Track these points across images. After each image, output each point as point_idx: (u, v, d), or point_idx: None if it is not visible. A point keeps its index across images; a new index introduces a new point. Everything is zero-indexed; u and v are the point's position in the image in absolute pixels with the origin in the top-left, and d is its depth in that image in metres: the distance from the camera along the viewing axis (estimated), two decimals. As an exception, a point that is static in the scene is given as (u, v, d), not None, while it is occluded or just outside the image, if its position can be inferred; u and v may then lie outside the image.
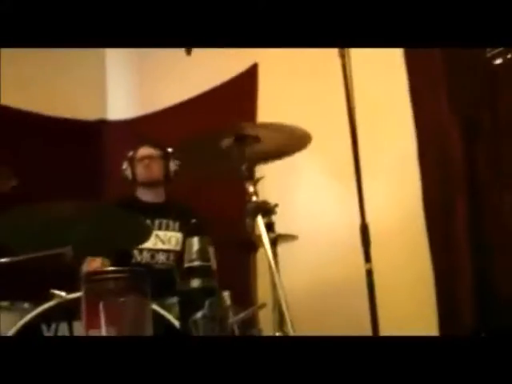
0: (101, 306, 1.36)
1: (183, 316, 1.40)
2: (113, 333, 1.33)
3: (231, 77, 4.00)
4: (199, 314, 1.38)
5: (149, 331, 1.37)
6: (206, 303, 1.39)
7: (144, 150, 3.59)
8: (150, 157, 3.56)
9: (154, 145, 3.61)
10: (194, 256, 1.44)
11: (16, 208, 2.45)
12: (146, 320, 1.38)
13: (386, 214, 3.24)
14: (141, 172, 3.57)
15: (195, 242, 1.45)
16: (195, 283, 1.42)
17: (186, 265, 1.45)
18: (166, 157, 3.56)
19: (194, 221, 1.47)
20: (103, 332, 1.33)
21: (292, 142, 2.60)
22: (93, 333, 1.42)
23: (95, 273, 1.60)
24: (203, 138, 2.61)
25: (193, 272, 1.43)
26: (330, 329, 3.31)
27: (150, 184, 3.57)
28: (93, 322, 1.42)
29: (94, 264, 3.18)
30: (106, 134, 4.46)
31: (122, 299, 1.43)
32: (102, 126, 4.50)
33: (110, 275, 1.52)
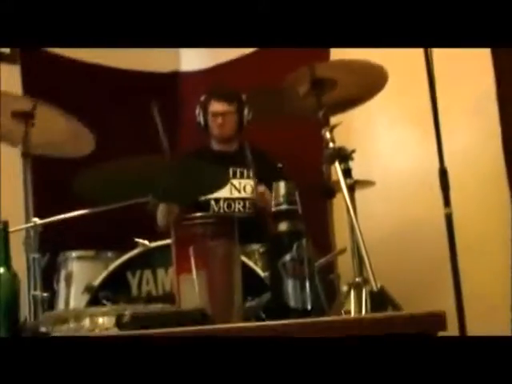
0: (191, 250, 1.40)
1: (272, 259, 1.43)
2: (203, 276, 1.37)
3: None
4: (288, 257, 1.40)
5: (238, 275, 1.41)
6: (294, 246, 1.41)
7: (217, 106, 3.53)
8: (223, 113, 3.52)
9: (227, 98, 3.55)
10: (282, 200, 1.46)
11: (99, 164, 2.52)
12: (235, 264, 1.41)
13: (464, 158, 3.19)
14: (214, 128, 3.55)
15: (282, 186, 1.47)
16: (283, 226, 1.44)
17: (274, 209, 1.47)
18: (239, 109, 3.54)
19: (279, 165, 1.49)
20: (194, 276, 1.36)
21: (369, 81, 2.58)
22: (183, 277, 1.46)
23: (184, 219, 1.63)
24: (279, 84, 2.61)
25: (280, 216, 1.45)
26: (409, 273, 3.33)
27: (223, 139, 3.58)
28: (183, 267, 1.46)
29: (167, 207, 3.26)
30: (181, 86, 4.49)
31: (211, 243, 1.47)
32: (175, 77, 4.52)
33: (199, 220, 1.56)
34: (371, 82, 2.60)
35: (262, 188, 3.20)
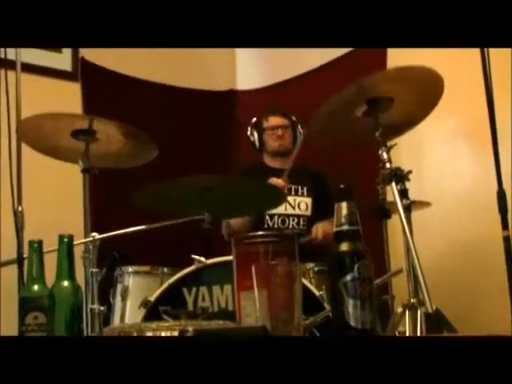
0: (253, 268, 1.42)
1: (333, 278, 1.44)
2: (264, 294, 1.39)
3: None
4: (349, 277, 1.42)
5: (298, 293, 1.42)
6: (355, 266, 1.43)
7: (276, 120, 3.62)
8: (282, 126, 3.59)
9: (284, 113, 3.64)
10: (343, 220, 1.47)
11: (160, 181, 2.56)
12: (295, 282, 1.42)
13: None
14: (272, 141, 3.60)
15: (344, 207, 1.48)
16: (344, 247, 1.46)
17: (336, 229, 1.48)
18: (293, 126, 3.60)
19: (342, 186, 1.50)
20: (255, 293, 1.38)
21: (425, 96, 2.56)
22: (244, 294, 1.48)
23: (246, 237, 1.66)
24: (336, 104, 2.61)
25: (342, 236, 1.47)
26: (465, 296, 3.29)
27: (281, 153, 3.61)
28: (244, 284, 1.48)
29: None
30: (237, 104, 4.54)
31: (273, 261, 1.49)
32: (232, 95, 4.58)
33: (261, 239, 1.59)
34: (428, 89, 2.57)
35: (320, 229, 3.24)
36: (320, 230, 3.25)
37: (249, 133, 3.67)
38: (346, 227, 1.47)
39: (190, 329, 1.32)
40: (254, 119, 3.67)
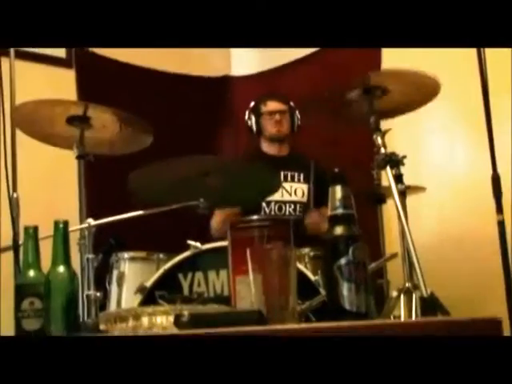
0: (248, 252, 1.42)
1: (327, 262, 1.45)
2: (259, 279, 1.39)
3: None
4: (343, 260, 1.42)
5: (293, 278, 1.43)
6: (350, 249, 1.43)
7: (274, 104, 3.60)
8: (280, 111, 3.58)
9: (282, 98, 3.63)
10: (338, 204, 1.47)
11: (153, 164, 2.56)
12: (290, 266, 1.43)
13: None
14: (270, 127, 3.59)
15: (338, 190, 1.49)
16: (339, 230, 1.46)
17: (330, 213, 1.49)
18: (291, 112, 3.59)
19: (336, 170, 1.50)
20: (250, 278, 1.39)
21: (421, 91, 2.57)
22: (240, 279, 1.49)
23: (241, 221, 1.66)
24: (331, 91, 2.62)
25: (336, 219, 1.47)
26: (460, 280, 3.31)
27: (278, 139, 3.61)
28: (239, 269, 1.49)
29: (222, 215, 3.30)
30: (232, 90, 4.53)
31: (268, 246, 1.49)
32: (227, 81, 4.57)
33: (256, 223, 1.59)
34: (423, 92, 2.59)
35: (315, 215, 3.24)
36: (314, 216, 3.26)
37: (246, 117, 3.65)
38: (340, 211, 1.48)
39: (186, 313, 1.33)
40: (252, 104, 3.65)
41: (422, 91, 2.59)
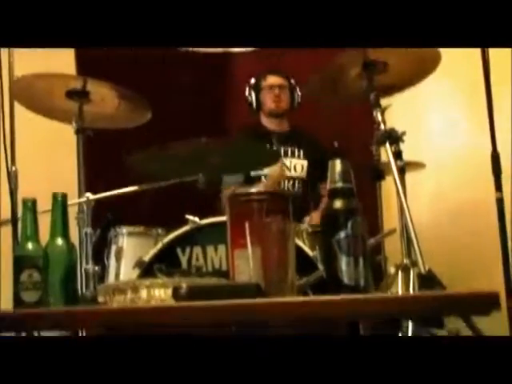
0: (246, 226, 1.42)
1: (326, 236, 1.44)
2: (257, 252, 1.39)
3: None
4: (342, 234, 1.42)
5: (292, 251, 1.42)
6: (349, 223, 1.43)
7: (274, 79, 3.61)
8: (280, 86, 3.58)
9: (282, 73, 3.63)
10: (337, 177, 1.47)
11: (154, 144, 2.55)
12: (289, 240, 1.43)
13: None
14: (269, 101, 3.59)
15: (338, 164, 1.48)
16: (338, 204, 1.45)
17: (329, 186, 1.48)
18: (291, 87, 3.59)
19: (336, 144, 1.49)
20: (249, 251, 1.39)
21: (421, 65, 2.56)
22: (238, 252, 1.49)
23: (240, 194, 1.66)
24: (331, 67, 2.61)
25: (335, 193, 1.46)
26: (458, 256, 3.31)
27: (278, 114, 3.60)
28: (238, 242, 1.49)
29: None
30: (232, 66, 4.51)
31: (266, 219, 1.49)
32: (227, 57, 4.53)
33: (255, 196, 1.59)
34: (423, 65, 2.58)
35: (316, 216, 3.23)
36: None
37: (247, 93, 3.66)
38: (339, 184, 1.47)
39: (184, 285, 1.33)
40: (253, 79, 3.66)
41: (422, 64, 2.57)
